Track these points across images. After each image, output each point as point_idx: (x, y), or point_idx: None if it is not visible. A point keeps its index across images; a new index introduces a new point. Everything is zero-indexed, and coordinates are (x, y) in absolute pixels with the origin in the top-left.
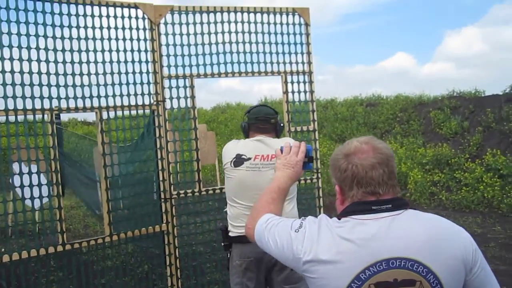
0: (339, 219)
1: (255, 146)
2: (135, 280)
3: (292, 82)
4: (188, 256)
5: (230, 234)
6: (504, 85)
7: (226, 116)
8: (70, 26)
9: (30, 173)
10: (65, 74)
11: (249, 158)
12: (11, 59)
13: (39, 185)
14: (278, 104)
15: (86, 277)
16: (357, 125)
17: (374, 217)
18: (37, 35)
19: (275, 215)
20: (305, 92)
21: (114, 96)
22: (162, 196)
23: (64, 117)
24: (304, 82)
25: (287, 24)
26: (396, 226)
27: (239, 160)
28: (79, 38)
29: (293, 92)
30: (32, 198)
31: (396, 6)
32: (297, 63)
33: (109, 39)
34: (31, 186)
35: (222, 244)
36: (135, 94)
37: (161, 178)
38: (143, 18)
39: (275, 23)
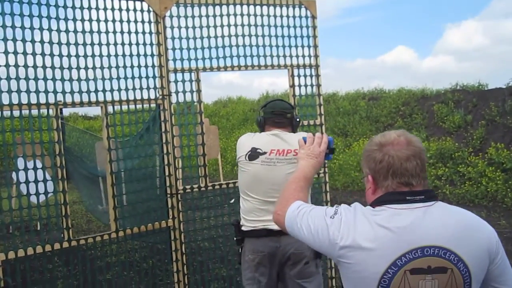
0: (373, 207)
1: (271, 140)
2: (140, 276)
3: (299, 76)
4: (195, 251)
5: (243, 228)
6: (505, 78)
7: (227, 110)
8: (74, 19)
9: (35, 168)
10: (69, 68)
11: (265, 152)
12: (15, 52)
13: (44, 180)
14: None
15: (92, 273)
16: (360, 119)
17: (408, 207)
18: (41, 28)
19: (304, 202)
20: (311, 85)
21: (119, 90)
22: (168, 191)
23: (65, 111)
24: (311, 76)
25: (294, 17)
26: (429, 216)
27: (254, 154)
28: (83, 31)
29: (299, 85)
30: (37, 193)
31: (396, 0)
32: (303, 56)
33: (114, 32)
34: (36, 181)
35: (235, 238)
36: (141, 88)
37: (167, 173)
38: (148, 11)
39: (281, 16)
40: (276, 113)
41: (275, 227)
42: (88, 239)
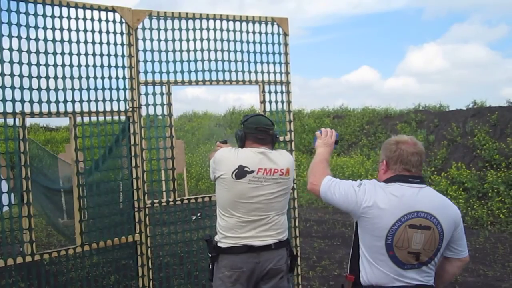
0: (386, 183)
1: (259, 159)
2: None
3: (270, 92)
4: (161, 267)
5: (219, 244)
6: (464, 100)
7: (193, 124)
8: (45, 27)
9: None
10: (38, 77)
11: (252, 171)
12: None
13: (9, 192)
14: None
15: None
16: None
17: (409, 186)
18: (10, 36)
19: (332, 176)
20: (282, 102)
21: (89, 101)
22: (136, 205)
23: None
24: (282, 92)
25: (266, 33)
26: (422, 192)
27: (242, 173)
28: (54, 40)
29: (270, 101)
30: (1, 205)
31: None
32: (275, 73)
33: (85, 42)
34: (0, 193)
35: (209, 255)
36: (111, 100)
37: (135, 187)
38: (121, 22)
39: (253, 32)
40: (260, 129)
41: (256, 243)
42: (52, 253)
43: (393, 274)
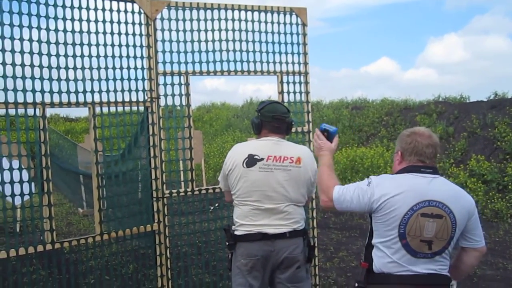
0: (398, 174)
1: (268, 147)
2: (121, 280)
3: (288, 83)
4: (179, 256)
5: (236, 233)
6: (485, 92)
7: (211, 115)
8: (64, 18)
9: (20, 168)
10: (58, 68)
11: (262, 159)
12: (3, 50)
13: (29, 181)
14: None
15: (74, 276)
16: (343, 128)
17: (421, 175)
18: (30, 26)
19: (339, 184)
20: (300, 92)
21: (107, 91)
22: (154, 195)
23: (46, 113)
24: (300, 83)
25: (284, 23)
26: (434, 182)
27: (252, 161)
28: (73, 31)
29: (288, 92)
30: (22, 194)
31: (382, 11)
32: (293, 63)
33: (104, 33)
34: (21, 182)
35: (227, 243)
36: (129, 90)
37: (153, 177)
38: (139, 13)
39: (272, 22)
40: (277, 118)
41: (270, 231)
42: (72, 241)
43: (405, 263)
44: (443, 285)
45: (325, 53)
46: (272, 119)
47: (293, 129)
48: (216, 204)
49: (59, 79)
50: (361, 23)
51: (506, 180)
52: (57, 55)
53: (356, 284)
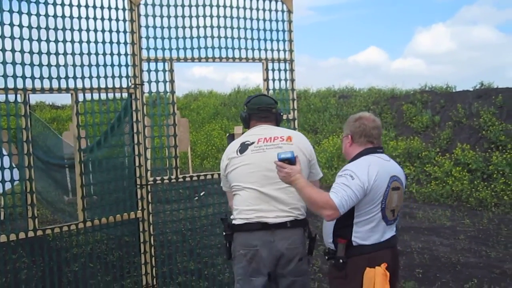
0: (362, 157)
1: (258, 132)
2: (106, 268)
3: (273, 70)
4: (163, 244)
5: (234, 222)
6: (472, 82)
7: (198, 103)
8: (46, 3)
9: (1, 155)
10: (40, 53)
11: (253, 142)
12: None
13: (11, 167)
14: (251, 93)
15: (58, 264)
16: (330, 116)
17: (379, 156)
18: (11, 11)
19: (329, 192)
20: (285, 80)
21: (90, 77)
22: (138, 182)
23: (32, 100)
24: (285, 70)
25: (270, 10)
26: (390, 161)
27: (244, 147)
28: (56, 16)
29: (273, 79)
30: (3, 181)
31: (370, 0)
32: (278, 50)
33: (87, 18)
34: (2, 169)
35: (224, 233)
36: (113, 76)
37: (137, 164)
38: None
39: (257, 9)
40: (262, 109)
41: (270, 220)
42: (54, 229)
43: (380, 232)
44: (397, 243)
45: (314, 42)
46: (258, 111)
47: None
48: (202, 193)
49: (41, 65)
50: (350, 12)
51: (490, 169)
52: (39, 40)
53: (341, 260)
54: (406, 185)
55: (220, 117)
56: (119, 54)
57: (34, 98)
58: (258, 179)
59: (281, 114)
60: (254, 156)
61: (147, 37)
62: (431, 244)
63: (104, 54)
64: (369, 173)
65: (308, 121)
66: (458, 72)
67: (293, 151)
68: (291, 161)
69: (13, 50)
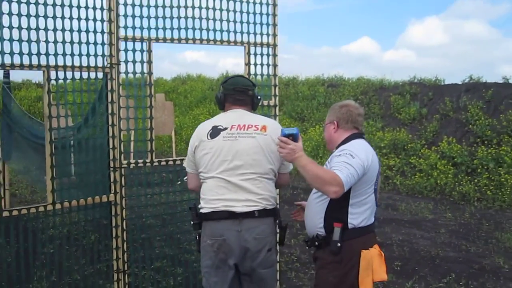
0: (354, 140)
1: (232, 117)
2: (82, 251)
3: (255, 54)
4: (137, 228)
5: (202, 211)
6: (461, 76)
7: (186, 87)
8: None
9: None
10: (10, 27)
11: (226, 128)
12: None
13: None
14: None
15: (34, 245)
16: (318, 104)
17: (365, 140)
18: None
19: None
20: (268, 65)
21: (64, 54)
22: (112, 165)
23: (18, 77)
24: (268, 55)
25: None
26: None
27: (215, 131)
28: None
29: (255, 64)
30: None
31: None
32: (261, 34)
33: None
34: None
35: (192, 223)
36: (87, 55)
37: (111, 146)
38: None
39: None
40: (238, 90)
41: (237, 209)
42: (21, 210)
43: (372, 214)
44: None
45: (307, 31)
46: (233, 91)
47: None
48: (185, 177)
49: (11, 39)
50: (345, 1)
51: (475, 163)
52: (10, 14)
53: (338, 244)
54: (391, 176)
55: (208, 102)
56: (95, 32)
57: (20, 76)
58: (227, 168)
59: (258, 97)
60: (225, 143)
61: (125, 15)
62: (411, 237)
63: (79, 31)
64: (365, 153)
65: (296, 109)
66: (449, 65)
67: (298, 128)
68: (295, 137)
69: None
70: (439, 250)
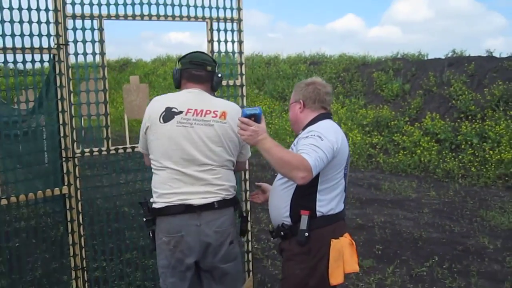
0: (321, 120)
1: (188, 99)
2: (47, 244)
3: (219, 30)
4: (94, 222)
5: (154, 205)
6: (446, 51)
7: (165, 69)
8: None
9: None
10: None
11: (181, 112)
12: None
13: None
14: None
15: None
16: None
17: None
18: None
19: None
20: (232, 42)
21: (3, 35)
22: (64, 154)
23: None
24: (232, 31)
25: None
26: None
27: (169, 114)
28: None
29: (219, 41)
30: None
31: None
32: (224, 8)
33: None
34: None
35: (144, 219)
36: (31, 35)
37: (62, 134)
38: None
39: None
40: (195, 63)
41: (194, 201)
42: None
43: (341, 200)
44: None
45: (292, 9)
46: (190, 64)
47: (224, 83)
48: None
49: None
50: None
51: (459, 139)
52: None
53: (306, 234)
54: (374, 154)
55: None
56: (38, 10)
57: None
58: (181, 158)
59: (219, 76)
60: (179, 130)
61: None
62: (394, 218)
63: (20, 9)
64: (334, 135)
65: (277, 88)
66: (434, 40)
67: (261, 107)
68: (258, 117)
69: None
70: (422, 231)
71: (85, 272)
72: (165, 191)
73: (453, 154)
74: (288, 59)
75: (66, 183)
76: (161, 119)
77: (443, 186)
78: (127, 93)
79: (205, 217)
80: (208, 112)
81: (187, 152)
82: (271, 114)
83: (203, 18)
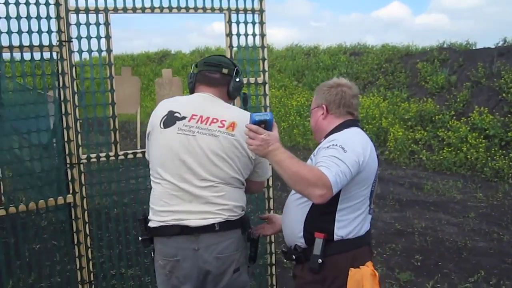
0: (346, 129)
1: (195, 103)
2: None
3: (238, 22)
4: (103, 233)
5: (150, 224)
6: (495, 39)
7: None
8: None
9: None
10: None
11: (184, 118)
12: None
13: None
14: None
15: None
16: (339, 75)
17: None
18: None
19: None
20: (254, 35)
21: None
22: (68, 160)
23: None
24: (253, 23)
25: None
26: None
27: (171, 119)
28: None
29: (238, 35)
30: None
31: None
32: None
33: None
34: None
35: (140, 238)
36: (29, 32)
37: (66, 139)
38: None
39: None
40: (209, 64)
41: (191, 222)
42: None
43: (363, 223)
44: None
45: None
46: (204, 66)
47: (245, 80)
48: None
49: None
50: None
51: (509, 136)
52: None
53: (319, 261)
54: (417, 151)
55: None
56: (37, 4)
57: None
58: (178, 170)
59: (238, 81)
60: (179, 138)
61: None
62: (436, 223)
63: (17, 4)
64: (360, 146)
65: (317, 80)
66: (482, 27)
67: (272, 113)
68: (269, 124)
69: None
70: (467, 240)
71: (93, 287)
72: (160, 208)
73: (503, 151)
74: (328, 49)
75: (71, 192)
76: (162, 124)
77: (491, 187)
78: (159, 87)
79: (204, 240)
80: (215, 120)
81: (186, 164)
82: (309, 108)
83: (221, 10)
